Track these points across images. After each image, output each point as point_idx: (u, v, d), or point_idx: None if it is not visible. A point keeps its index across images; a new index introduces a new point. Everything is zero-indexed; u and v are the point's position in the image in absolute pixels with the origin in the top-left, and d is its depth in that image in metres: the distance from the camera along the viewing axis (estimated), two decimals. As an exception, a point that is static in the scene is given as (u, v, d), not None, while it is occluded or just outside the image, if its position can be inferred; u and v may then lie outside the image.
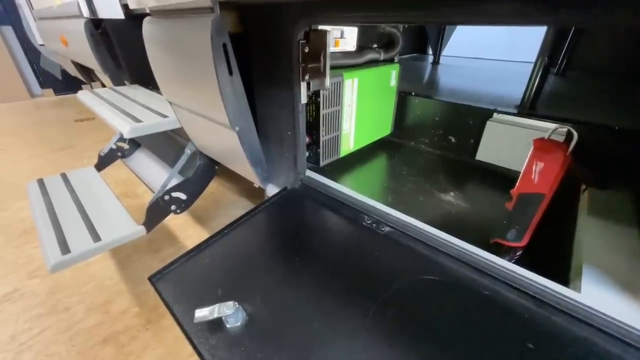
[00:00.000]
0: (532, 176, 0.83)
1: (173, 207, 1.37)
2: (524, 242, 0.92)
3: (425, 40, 3.29)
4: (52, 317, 1.25)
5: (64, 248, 1.08)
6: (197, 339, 0.67)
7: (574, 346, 0.61)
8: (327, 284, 0.78)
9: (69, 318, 1.25)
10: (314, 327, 0.68)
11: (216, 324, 0.69)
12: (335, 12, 0.76)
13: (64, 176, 1.58)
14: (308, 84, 0.98)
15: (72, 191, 1.46)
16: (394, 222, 0.94)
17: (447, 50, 2.99)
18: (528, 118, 1.37)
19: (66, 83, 4.55)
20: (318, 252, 0.88)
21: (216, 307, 0.68)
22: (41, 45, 2.91)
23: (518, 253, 0.92)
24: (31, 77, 4.45)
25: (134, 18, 1.27)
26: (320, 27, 0.93)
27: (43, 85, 4.55)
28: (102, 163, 1.77)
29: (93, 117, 3.54)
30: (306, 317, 0.71)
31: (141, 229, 1.23)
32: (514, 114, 1.41)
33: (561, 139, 1.05)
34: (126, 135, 1.12)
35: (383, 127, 1.70)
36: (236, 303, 0.70)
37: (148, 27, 1.06)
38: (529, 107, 1.51)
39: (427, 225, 0.92)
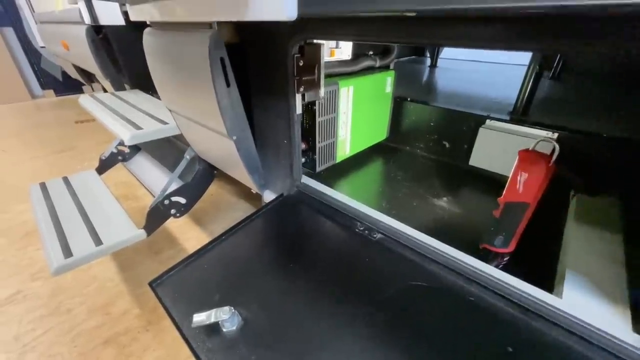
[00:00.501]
0: (517, 186, 0.86)
1: (173, 211, 1.40)
2: (510, 248, 0.95)
3: (423, 43, 3.32)
4: (55, 318, 1.28)
5: (67, 252, 1.12)
6: (194, 342, 0.70)
7: (551, 351, 0.65)
8: (321, 289, 0.82)
9: (71, 319, 1.28)
10: (307, 331, 0.72)
11: (213, 328, 0.72)
12: (328, 29, 0.79)
13: (66, 180, 1.62)
14: (303, 95, 1.01)
15: (73, 195, 1.49)
16: (385, 229, 0.97)
17: (445, 53, 3.00)
18: (519, 125, 1.40)
19: (67, 84, 4.58)
20: (312, 258, 0.91)
21: (213, 312, 0.72)
22: (42, 47, 2.93)
23: (505, 258, 0.96)
24: (32, 78, 4.48)
25: (135, 24, 1.30)
26: (315, 40, 0.96)
27: (44, 86, 4.57)
28: (103, 166, 1.81)
29: (93, 118, 3.56)
30: (300, 321, 0.74)
31: (142, 233, 1.26)
32: (505, 121, 1.44)
33: (550, 146, 1.08)
34: (127, 143, 1.15)
35: (379, 133, 1.73)
36: (232, 308, 0.73)
37: (148, 39, 1.09)
38: (521, 113, 1.54)
39: (417, 232, 0.95)
